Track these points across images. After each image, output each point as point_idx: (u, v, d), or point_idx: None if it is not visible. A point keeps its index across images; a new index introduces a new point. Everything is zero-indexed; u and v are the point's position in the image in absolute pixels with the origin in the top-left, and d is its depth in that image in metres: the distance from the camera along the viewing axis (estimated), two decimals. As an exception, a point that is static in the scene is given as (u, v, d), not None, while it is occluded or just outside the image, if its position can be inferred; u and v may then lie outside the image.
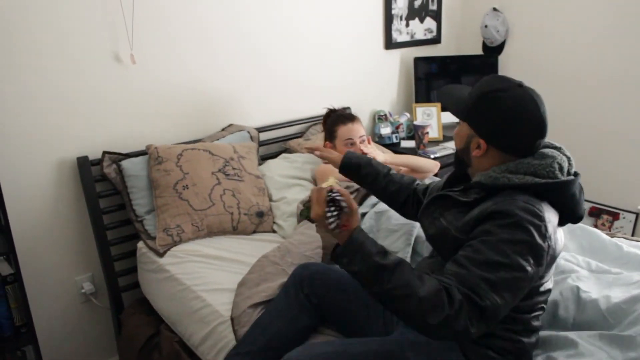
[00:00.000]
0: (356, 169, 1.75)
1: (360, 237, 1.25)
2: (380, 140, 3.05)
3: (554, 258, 1.31)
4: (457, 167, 1.49)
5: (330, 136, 2.41)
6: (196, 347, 1.83)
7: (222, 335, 1.70)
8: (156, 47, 2.27)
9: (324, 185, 1.30)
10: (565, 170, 1.34)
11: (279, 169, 2.44)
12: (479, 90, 1.36)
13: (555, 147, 1.38)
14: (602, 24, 2.86)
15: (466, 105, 1.38)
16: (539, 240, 1.21)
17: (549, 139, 1.38)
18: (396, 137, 3.08)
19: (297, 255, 1.83)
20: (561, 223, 1.36)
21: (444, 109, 3.15)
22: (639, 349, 1.36)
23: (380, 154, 2.35)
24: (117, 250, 2.28)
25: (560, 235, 1.35)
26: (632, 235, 2.89)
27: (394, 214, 1.97)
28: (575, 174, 1.35)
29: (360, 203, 2.18)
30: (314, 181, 2.42)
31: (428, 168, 2.40)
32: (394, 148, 2.94)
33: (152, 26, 2.24)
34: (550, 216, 1.27)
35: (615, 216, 2.95)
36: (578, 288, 1.59)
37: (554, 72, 3.10)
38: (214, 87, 2.50)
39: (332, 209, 1.26)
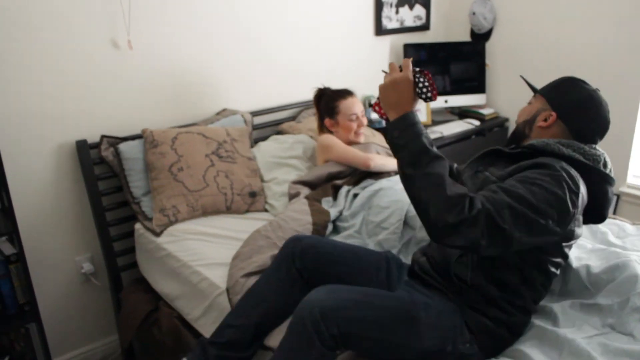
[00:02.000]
0: None
1: (416, 117, 1.35)
2: (370, 125, 3.13)
3: (572, 233, 1.38)
4: (512, 140, 1.57)
5: (331, 113, 2.41)
6: (196, 320, 1.91)
7: (222, 306, 1.77)
8: (153, 33, 2.33)
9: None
10: (608, 170, 1.45)
11: (269, 151, 2.51)
12: (561, 78, 1.51)
13: None
14: (589, 13, 2.92)
15: (547, 85, 1.52)
16: (569, 203, 1.29)
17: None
18: (386, 121, 3.16)
19: (288, 230, 1.91)
20: (586, 221, 1.47)
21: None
22: (615, 315, 1.47)
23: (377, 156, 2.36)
24: (116, 231, 2.35)
25: (581, 221, 1.43)
26: (614, 214, 2.98)
27: (385, 193, 2.06)
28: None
29: (356, 184, 2.25)
30: (313, 155, 2.46)
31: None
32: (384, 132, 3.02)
33: (149, 12, 2.30)
34: (584, 192, 1.36)
35: (597, 197, 3.05)
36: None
37: (540, 60, 3.17)
38: (208, 72, 2.56)
39: (422, 79, 1.39)
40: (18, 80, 2.05)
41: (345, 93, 2.43)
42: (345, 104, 2.39)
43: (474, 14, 3.41)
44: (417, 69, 1.41)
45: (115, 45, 2.24)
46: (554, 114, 1.46)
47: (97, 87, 2.24)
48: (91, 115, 2.25)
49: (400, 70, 1.40)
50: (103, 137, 2.23)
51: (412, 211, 1.91)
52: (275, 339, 1.58)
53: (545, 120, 1.48)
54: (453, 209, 1.20)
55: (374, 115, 3.13)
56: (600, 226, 1.97)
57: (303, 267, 1.65)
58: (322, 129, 2.49)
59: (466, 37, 3.55)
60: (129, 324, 2.22)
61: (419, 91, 1.39)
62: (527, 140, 1.52)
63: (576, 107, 1.45)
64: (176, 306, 2.04)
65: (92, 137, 2.24)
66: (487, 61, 3.42)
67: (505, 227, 1.21)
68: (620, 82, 2.86)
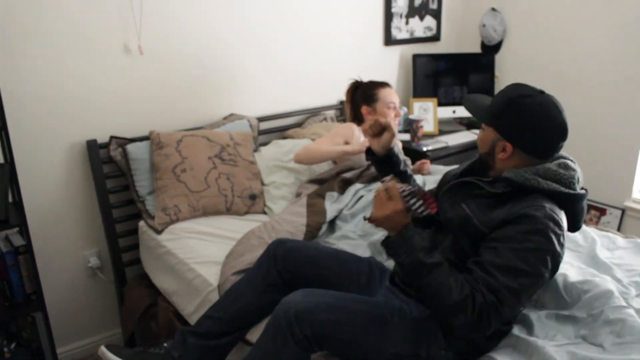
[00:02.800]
0: (394, 162, 1.80)
1: (410, 233, 1.38)
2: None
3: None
4: (480, 169, 1.56)
5: (369, 100, 2.47)
6: (189, 315, 1.99)
7: (213, 302, 1.80)
8: (163, 39, 2.43)
9: (385, 186, 1.42)
10: (581, 184, 1.47)
11: (269, 155, 2.57)
12: (504, 97, 1.44)
13: (571, 160, 1.49)
14: (598, 24, 2.93)
15: (492, 111, 1.46)
16: (558, 249, 1.35)
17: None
18: (392, 130, 3.20)
19: (281, 232, 1.97)
20: None
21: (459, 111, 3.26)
22: (588, 326, 1.50)
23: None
24: (122, 227, 2.45)
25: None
26: (618, 230, 2.97)
27: None
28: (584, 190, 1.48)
29: (368, 183, 2.28)
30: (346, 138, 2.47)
31: None
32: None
33: (160, 19, 2.40)
34: (565, 225, 1.41)
35: (602, 212, 3.04)
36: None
37: (549, 71, 3.18)
38: (217, 77, 2.65)
39: (414, 200, 1.42)
40: (34, 81, 2.16)
41: (384, 83, 2.51)
42: (384, 92, 2.46)
43: (484, 26, 3.44)
44: (406, 191, 1.43)
45: (127, 50, 2.35)
46: (508, 145, 1.43)
47: (109, 90, 2.35)
48: (102, 116, 2.35)
49: (389, 198, 1.42)
50: (112, 137, 2.34)
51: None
52: (255, 335, 1.64)
53: (504, 151, 1.44)
54: (458, 315, 1.29)
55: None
56: (592, 234, 2.01)
57: (284, 269, 1.70)
58: (356, 120, 2.54)
59: (477, 49, 3.58)
60: (130, 317, 2.32)
61: (414, 213, 1.43)
62: (493, 171, 1.51)
63: (528, 131, 1.40)
64: (173, 301, 2.12)
65: (102, 138, 2.35)
66: (497, 73, 3.45)
67: (504, 311, 1.30)
68: (628, 96, 2.86)
